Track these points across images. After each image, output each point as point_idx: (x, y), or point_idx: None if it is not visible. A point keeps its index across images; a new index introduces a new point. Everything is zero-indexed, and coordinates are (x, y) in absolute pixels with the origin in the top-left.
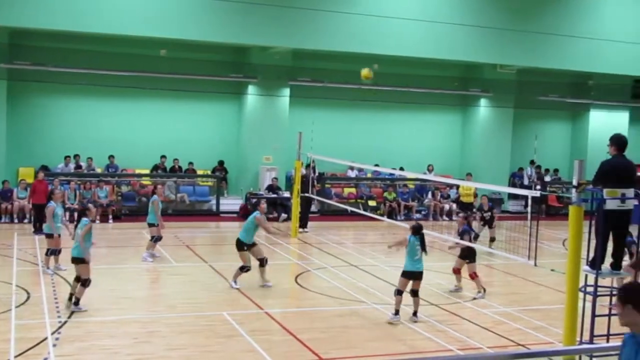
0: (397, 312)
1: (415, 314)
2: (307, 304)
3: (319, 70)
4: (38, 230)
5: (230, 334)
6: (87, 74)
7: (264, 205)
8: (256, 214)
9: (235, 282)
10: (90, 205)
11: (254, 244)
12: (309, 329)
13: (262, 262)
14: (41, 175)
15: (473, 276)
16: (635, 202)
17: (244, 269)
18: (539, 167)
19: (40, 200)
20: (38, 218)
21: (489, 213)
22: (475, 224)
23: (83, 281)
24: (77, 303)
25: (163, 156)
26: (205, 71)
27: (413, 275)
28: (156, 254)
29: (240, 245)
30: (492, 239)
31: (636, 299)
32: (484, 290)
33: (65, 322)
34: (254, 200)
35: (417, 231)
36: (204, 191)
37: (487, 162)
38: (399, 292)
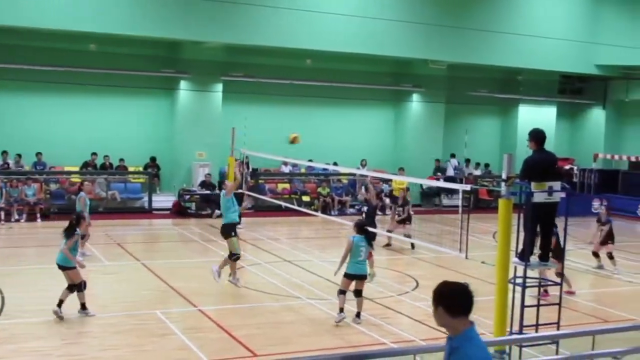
0: (341, 310)
1: (358, 315)
2: (242, 301)
3: (251, 66)
4: None
5: (164, 333)
6: (14, 69)
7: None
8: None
9: (218, 273)
10: (85, 214)
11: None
12: (244, 326)
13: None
14: None
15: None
16: (562, 194)
17: (233, 257)
18: (468, 160)
19: None
20: None
21: (402, 208)
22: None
23: (77, 286)
24: (83, 307)
25: (94, 153)
26: (137, 66)
27: (356, 277)
28: (87, 253)
29: (230, 229)
30: (407, 235)
31: (446, 301)
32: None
33: None
34: (187, 196)
35: (360, 229)
36: (135, 188)
37: (419, 157)
38: (341, 292)
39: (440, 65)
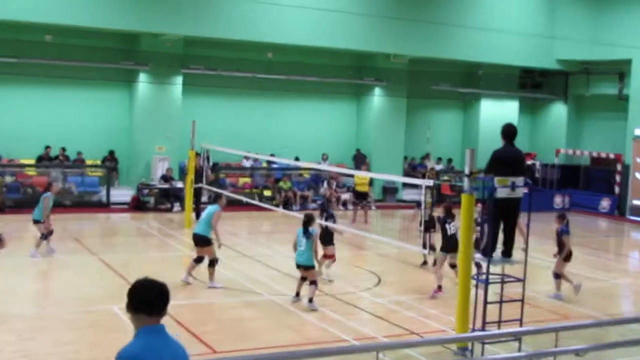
0: (297, 294)
1: (310, 300)
2: (201, 297)
3: (212, 58)
4: None
5: (120, 328)
6: None
7: (224, 200)
8: (216, 208)
9: (213, 281)
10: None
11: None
12: (203, 322)
13: (213, 262)
14: None
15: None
16: (525, 190)
17: (215, 262)
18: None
19: None
20: None
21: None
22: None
23: None
24: None
25: (48, 146)
26: (94, 58)
27: (300, 267)
28: (54, 248)
29: (205, 241)
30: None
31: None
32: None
33: None
34: (146, 190)
35: (304, 223)
36: (93, 182)
37: (381, 151)
38: (301, 278)
39: (401, 59)
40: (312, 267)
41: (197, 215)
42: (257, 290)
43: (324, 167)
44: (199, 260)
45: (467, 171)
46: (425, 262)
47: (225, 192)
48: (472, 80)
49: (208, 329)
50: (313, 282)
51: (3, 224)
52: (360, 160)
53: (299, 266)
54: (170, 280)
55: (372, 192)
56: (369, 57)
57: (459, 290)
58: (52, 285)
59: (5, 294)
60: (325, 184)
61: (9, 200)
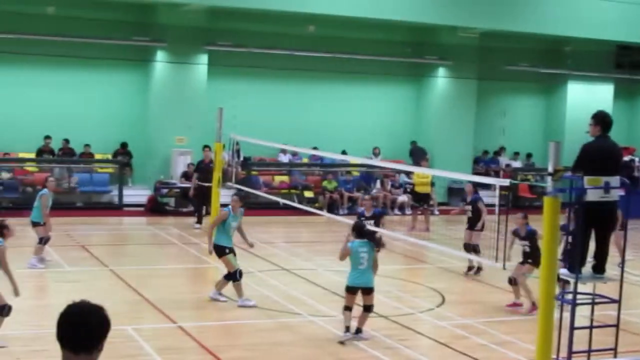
0: (347, 329)
1: (358, 330)
2: (229, 317)
3: (242, 33)
4: None
5: (135, 353)
6: None
7: (234, 201)
8: (225, 209)
9: (247, 299)
10: (7, 222)
11: (231, 249)
12: (232, 347)
13: (229, 275)
14: None
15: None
16: (621, 192)
17: (236, 274)
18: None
19: None
20: None
21: (470, 206)
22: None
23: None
24: None
25: (47, 137)
26: (103, 33)
27: (356, 290)
28: (47, 258)
29: (219, 250)
30: (475, 248)
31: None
32: None
33: None
34: (165, 190)
35: (360, 233)
36: (102, 179)
37: (445, 144)
38: (346, 308)
39: (471, 33)
40: (373, 289)
41: (200, 220)
42: (295, 310)
43: (378, 163)
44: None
45: (550, 169)
46: (472, 268)
47: (258, 193)
48: (557, 59)
49: (238, 354)
50: (370, 308)
51: None
52: (419, 156)
53: (354, 289)
54: (193, 297)
55: (434, 194)
56: (431, 31)
57: (540, 313)
58: (54, 301)
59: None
60: (378, 184)
61: (5, 201)
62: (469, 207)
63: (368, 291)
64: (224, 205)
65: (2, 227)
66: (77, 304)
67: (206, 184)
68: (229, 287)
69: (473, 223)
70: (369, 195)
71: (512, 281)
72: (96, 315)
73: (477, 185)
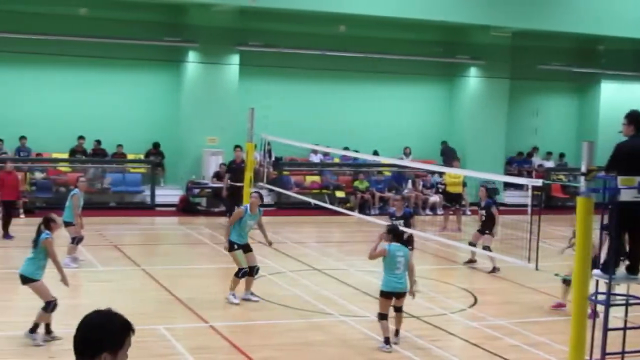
0: (387, 341)
1: (396, 332)
2: (261, 317)
3: (273, 33)
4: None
5: (167, 352)
6: None
7: (254, 198)
8: (243, 208)
9: (234, 295)
10: (54, 215)
11: (247, 247)
12: (263, 346)
13: (252, 271)
14: (10, 165)
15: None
16: None
17: (240, 273)
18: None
19: (11, 196)
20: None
21: (484, 211)
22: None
23: (45, 305)
24: (33, 330)
25: (81, 137)
26: (135, 34)
27: (394, 295)
28: (79, 258)
29: (231, 246)
30: (485, 248)
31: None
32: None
33: None
34: (197, 190)
35: (396, 236)
36: (135, 180)
37: (477, 144)
38: (382, 317)
39: (504, 32)
40: (406, 293)
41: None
42: (326, 310)
43: (410, 163)
44: (249, 272)
45: (583, 169)
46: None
47: (289, 193)
48: (590, 58)
49: (269, 354)
50: (401, 309)
51: (33, 227)
52: (451, 156)
53: (391, 294)
54: (225, 296)
55: (465, 194)
56: (463, 30)
57: (573, 314)
58: (86, 301)
59: (35, 310)
60: (409, 184)
61: (39, 200)
62: (483, 212)
63: (403, 295)
64: (268, 206)
65: (49, 220)
66: (90, 313)
67: (238, 184)
68: (260, 287)
69: (485, 227)
70: (400, 196)
71: (565, 282)
72: (96, 326)
73: (510, 186)
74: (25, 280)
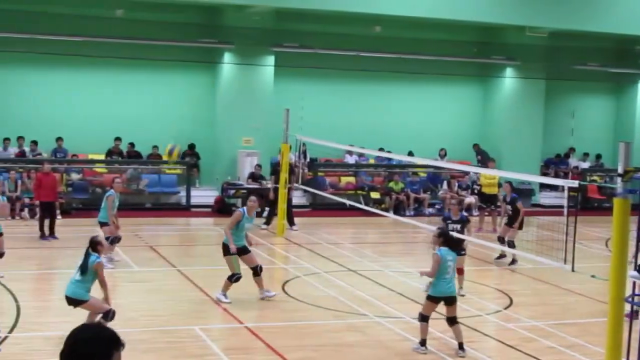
0: (423, 343)
1: (461, 346)
2: (296, 317)
3: (309, 34)
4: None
5: (202, 353)
6: (28, 40)
7: (252, 202)
8: (241, 211)
9: (224, 295)
10: (100, 238)
11: (244, 249)
12: (298, 347)
13: (256, 270)
14: (47, 166)
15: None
16: None
17: (233, 277)
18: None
19: (49, 197)
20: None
21: (509, 206)
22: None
23: (104, 315)
24: None
25: (117, 138)
26: (171, 35)
27: (443, 300)
28: (115, 258)
29: (226, 250)
30: (509, 243)
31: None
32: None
33: (6, 337)
34: (232, 191)
35: (447, 240)
36: (171, 180)
37: (513, 145)
38: (423, 318)
39: (540, 32)
40: (457, 298)
41: (290, 221)
42: (361, 311)
43: (445, 164)
44: (255, 271)
45: (620, 170)
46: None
47: (324, 194)
48: (628, 58)
49: (304, 355)
50: (455, 319)
51: (69, 228)
52: (486, 157)
53: (439, 299)
54: (258, 297)
55: (501, 195)
56: (498, 30)
57: (609, 315)
58: (123, 301)
59: (71, 310)
60: (445, 185)
61: (76, 201)
62: (509, 207)
63: (453, 300)
64: (294, 207)
65: (96, 244)
66: (78, 327)
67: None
68: (295, 288)
69: (511, 220)
70: (457, 199)
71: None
72: (85, 341)
73: (546, 187)
74: (74, 302)
